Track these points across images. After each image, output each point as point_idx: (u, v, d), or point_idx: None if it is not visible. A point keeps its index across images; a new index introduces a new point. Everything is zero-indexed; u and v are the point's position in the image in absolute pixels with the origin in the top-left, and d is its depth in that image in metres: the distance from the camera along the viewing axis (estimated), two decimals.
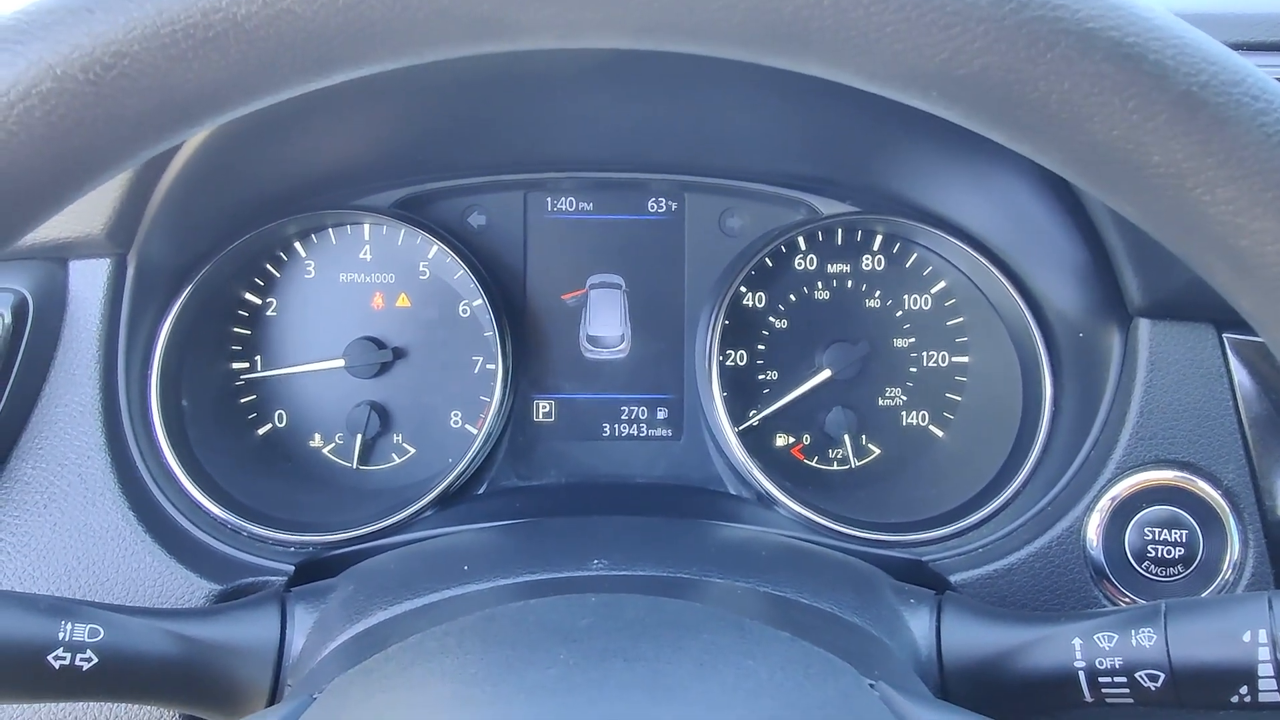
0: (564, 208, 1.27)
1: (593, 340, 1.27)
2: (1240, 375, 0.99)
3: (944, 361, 1.25)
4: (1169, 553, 0.97)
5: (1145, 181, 0.49)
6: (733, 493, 1.21)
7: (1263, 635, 0.74)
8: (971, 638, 0.84)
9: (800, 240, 1.24)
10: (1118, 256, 0.98)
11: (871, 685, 0.60)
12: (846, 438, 1.23)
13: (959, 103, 0.50)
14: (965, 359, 1.24)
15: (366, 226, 1.23)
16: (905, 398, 1.25)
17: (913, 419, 1.25)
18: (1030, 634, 0.82)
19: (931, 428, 1.25)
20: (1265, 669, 0.74)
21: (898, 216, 1.19)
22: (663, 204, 1.27)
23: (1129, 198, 0.51)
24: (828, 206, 1.21)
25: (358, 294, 1.24)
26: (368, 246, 1.24)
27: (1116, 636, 0.79)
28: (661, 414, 1.27)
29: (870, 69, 0.50)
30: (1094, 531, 0.98)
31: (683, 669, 0.54)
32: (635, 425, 1.27)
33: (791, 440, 1.25)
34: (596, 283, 1.27)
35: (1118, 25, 0.47)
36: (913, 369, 1.25)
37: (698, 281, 1.25)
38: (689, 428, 1.26)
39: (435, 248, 1.22)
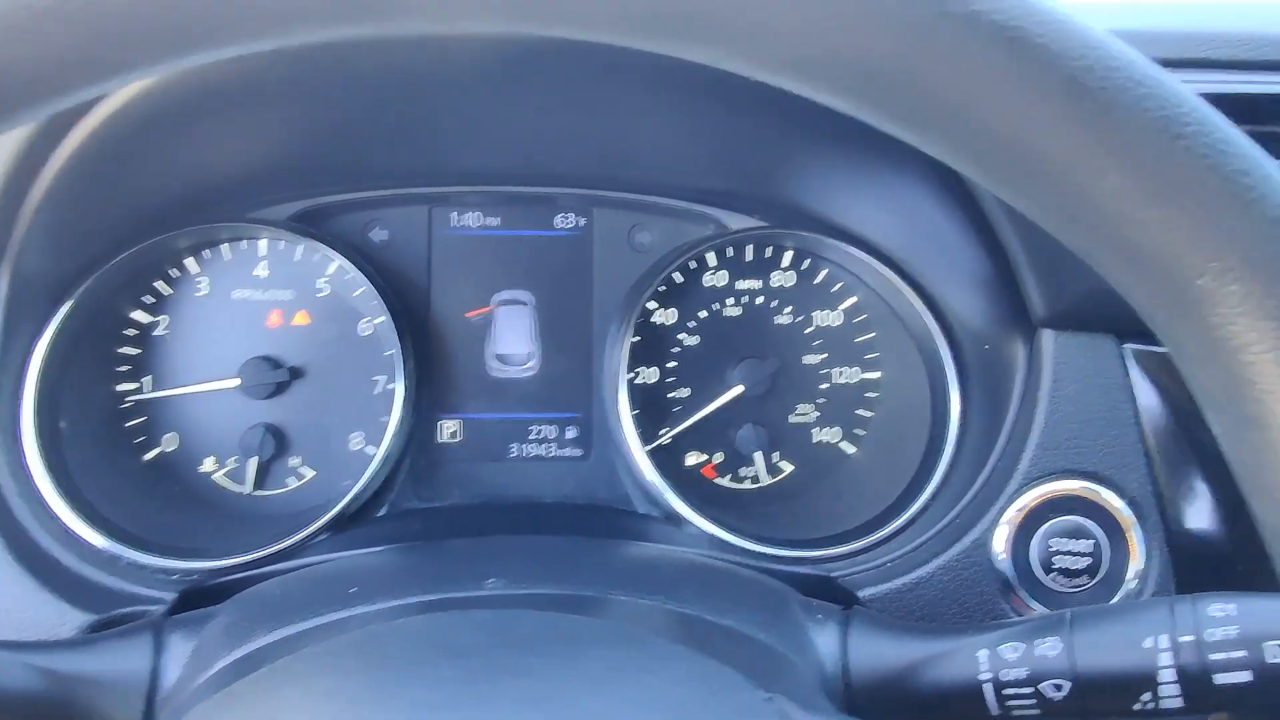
0: (469, 223, 1.24)
1: (500, 358, 1.24)
2: (1141, 386, 1.00)
3: (855, 378, 1.24)
4: (1075, 563, 0.97)
5: (1033, 170, 0.48)
6: (641, 512, 1.18)
7: (1164, 640, 0.74)
8: (878, 652, 0.82)
9: (710, 256, 1.23)
10: (1020, 266, 0.98)
11: (768, 699, 0.58)
12: (758, 455, 1.21)
13: (845, 91, 0.49)
14: (877, 375, 1.24)
15: (263, 241, 1.19)
16: (817, 414, 1.24)
17: (824, 436, 1.24)
18: (936, 647, 0.80)
19: (843, 444, 1.24)
20: (1166, 674, 0.73)
21: (805, 231, 1.18)
22: (571, 219, 1.25)
23: (1019, 188, 0.50)
24: (736, 221, 1.20)
25: (253, 311, 1.19)
26: (264, 262, 1.20)
27: (1023, 647, 0.78)
28: (570, 433, 1.24)
29: (755, 56, 0.48)
30: (1001, 543, 0.98)
31: (573, 684, 0.51)
32: (544, 445, 1.24)
33: (703, 458, 1.23)
34: (503, 299, 1.24)
35: (1000, 9, 0.46)
36: (824, 385, 1.24)
37: (607, 298, 1.23)
38: (598, 447, 1.24)
39: (335, 263, 1.18)
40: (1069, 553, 0.97)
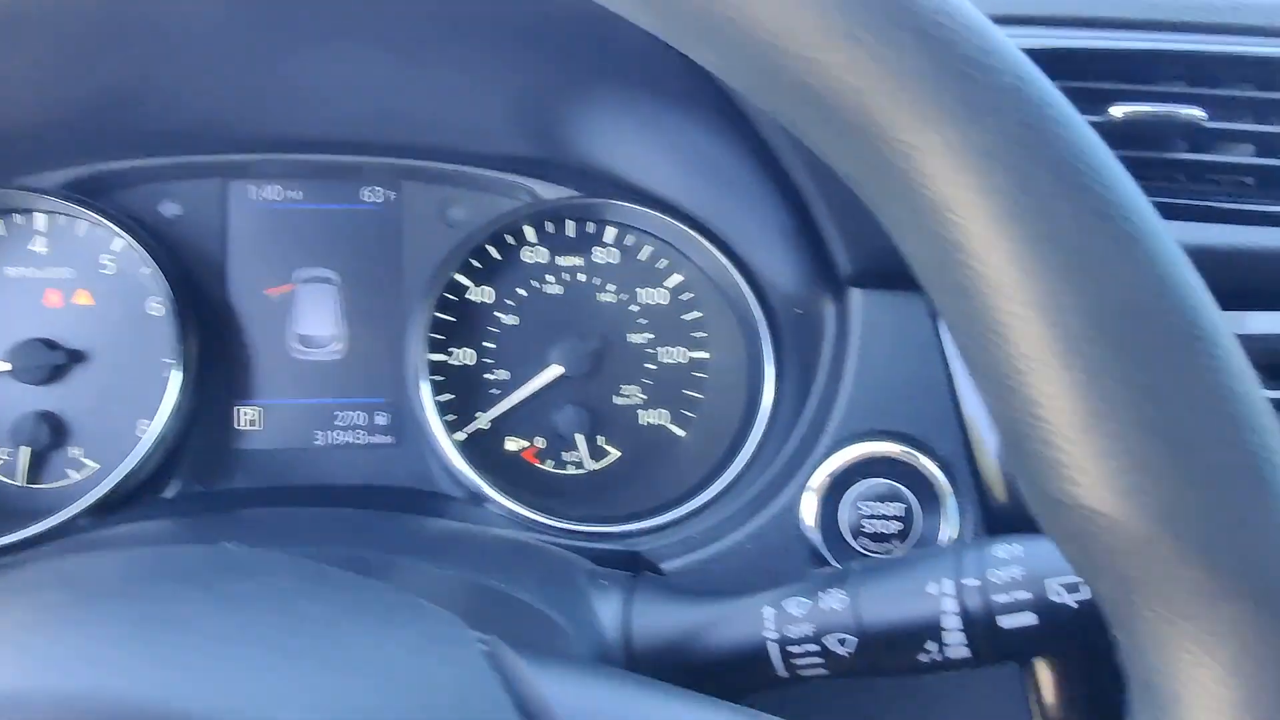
0: (270, 196, 1.17)
1: (302, 340, 1.16)
2: (952, 346, 0.96)
3: (683, 358, 1.19)
4: (885, 527, 0.93)
5: (713, 24, 0.43)
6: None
7: (948, 585, 0.70)
8: (662, 617, 0.77)
9: (529, 232, 1.17)
10: (821, 219, 0.94)
11: (483, 641, 0.52)
12: (579, 438, 1.15)
13: None
14: (704, 355, 1.19)
15: (41, 215, 1.10)
16: (644, 396, 1.18)
17: (651, 418, 1.18)
18: (722, 609, 0.75)
19: (671, 427, 1.18)
20: (950, 621, 0.69)
21: (616, 200, 1.13)
22: (379, 192, 1.18)
23: (709, 43, 0.45)
24: (550, 192, 1.15)
25: (29, 290, 1.10)
26: (42, 237, 1.11)
27: (809, 603, 0.73)
28: (380, 419, 1.17)
29: None
30: (810, 509, 0.93)
31: (209, 608, 0.44)
32: (352, 432, 1.16)
33: (524, 444, 1.17)
34: (306, 277, 1.16)
35: None
36: (650, 365, 1.19)
37: (417, 276, 1.16)
38: (409, 433, 1.16)
39: (120, 240, 1.10)
40: (880, 516, 0.93)
